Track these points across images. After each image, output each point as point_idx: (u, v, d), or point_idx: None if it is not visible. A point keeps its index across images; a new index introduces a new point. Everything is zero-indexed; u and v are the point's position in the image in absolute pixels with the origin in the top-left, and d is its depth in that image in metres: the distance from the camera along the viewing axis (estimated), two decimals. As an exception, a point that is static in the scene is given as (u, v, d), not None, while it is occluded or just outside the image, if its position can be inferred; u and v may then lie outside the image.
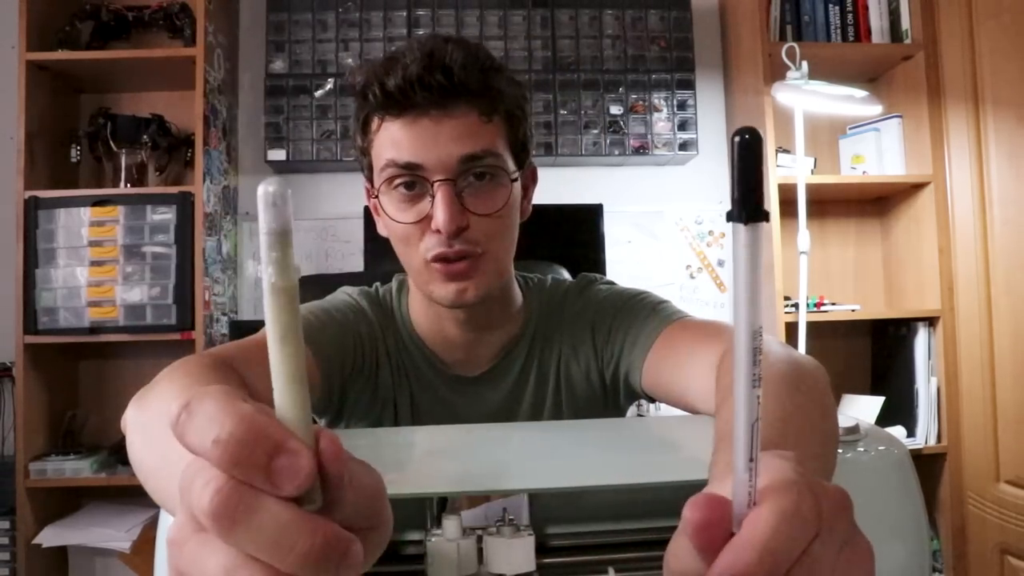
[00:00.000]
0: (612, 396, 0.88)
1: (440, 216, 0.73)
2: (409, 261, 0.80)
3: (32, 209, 2.06)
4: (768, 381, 0.30)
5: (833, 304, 2.30)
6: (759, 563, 0.27)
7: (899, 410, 2.21)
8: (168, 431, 0.27)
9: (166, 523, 0.51)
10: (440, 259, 0.75)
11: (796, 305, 2.10)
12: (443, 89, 0.73)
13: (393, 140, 0.75)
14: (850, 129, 2.42)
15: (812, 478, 0.30)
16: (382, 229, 0.82)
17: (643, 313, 0.83)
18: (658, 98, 2.43)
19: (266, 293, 0.27)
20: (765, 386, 0.29)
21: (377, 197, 0.79)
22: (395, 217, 0.77)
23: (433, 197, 0.74)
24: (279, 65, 2.37)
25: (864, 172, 2.35)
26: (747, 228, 0.28)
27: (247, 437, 0.25)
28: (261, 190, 0.26)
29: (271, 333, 0.27)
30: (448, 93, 0.73)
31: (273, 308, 0.27)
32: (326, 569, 0.25)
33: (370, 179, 0.81)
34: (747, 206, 0.28)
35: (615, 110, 2.42)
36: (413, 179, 0.75)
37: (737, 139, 0.28)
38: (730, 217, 0.29)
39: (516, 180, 0.80)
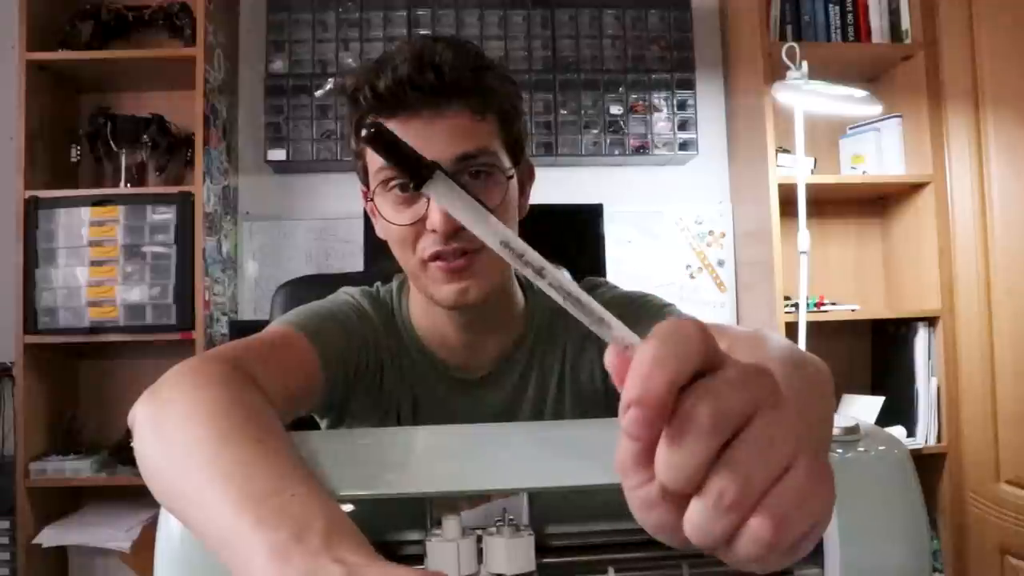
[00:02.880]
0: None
1: (436, 216, 0.73)
2: (407, 263, 0.80)
3: (32, 209, 2.05)
4: (767, 361, 0.30)
5: (833, 304, 2.30)
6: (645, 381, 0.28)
7: (899, 410, 2.20)
8: (189, 437, 0.27)
9: (166, 523, 0.52)
10: (437, 257, 0.75)
11: (796, 305, 2.10)
12: (434, 89, 0.72)
13: None
14: (850, 129, 2.42)
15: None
16: (380, 231, 0.82)
17: (649, 314, 0.83)
18: (658, 98, 2.43)
19: None
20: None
21: (373, 200, 0.79)
22: (391, 219, 0.77)
23: (428, 198, 0.74)
24: (279, 65, 2.37)
25: (864, 172, 2.35)
26: (430, 188, 0.33)
27: None
28: None
29: None
30: (439, 93, 0.73)
31: None
32: None
33: (365, 182, 0.81)
34: (414, 175, 0.33)
35: (615, 110, 2.42)
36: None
37: (365, 132, 0.33)
38: (417, 187, 0.33)
39: (512, 177, 0.80)
